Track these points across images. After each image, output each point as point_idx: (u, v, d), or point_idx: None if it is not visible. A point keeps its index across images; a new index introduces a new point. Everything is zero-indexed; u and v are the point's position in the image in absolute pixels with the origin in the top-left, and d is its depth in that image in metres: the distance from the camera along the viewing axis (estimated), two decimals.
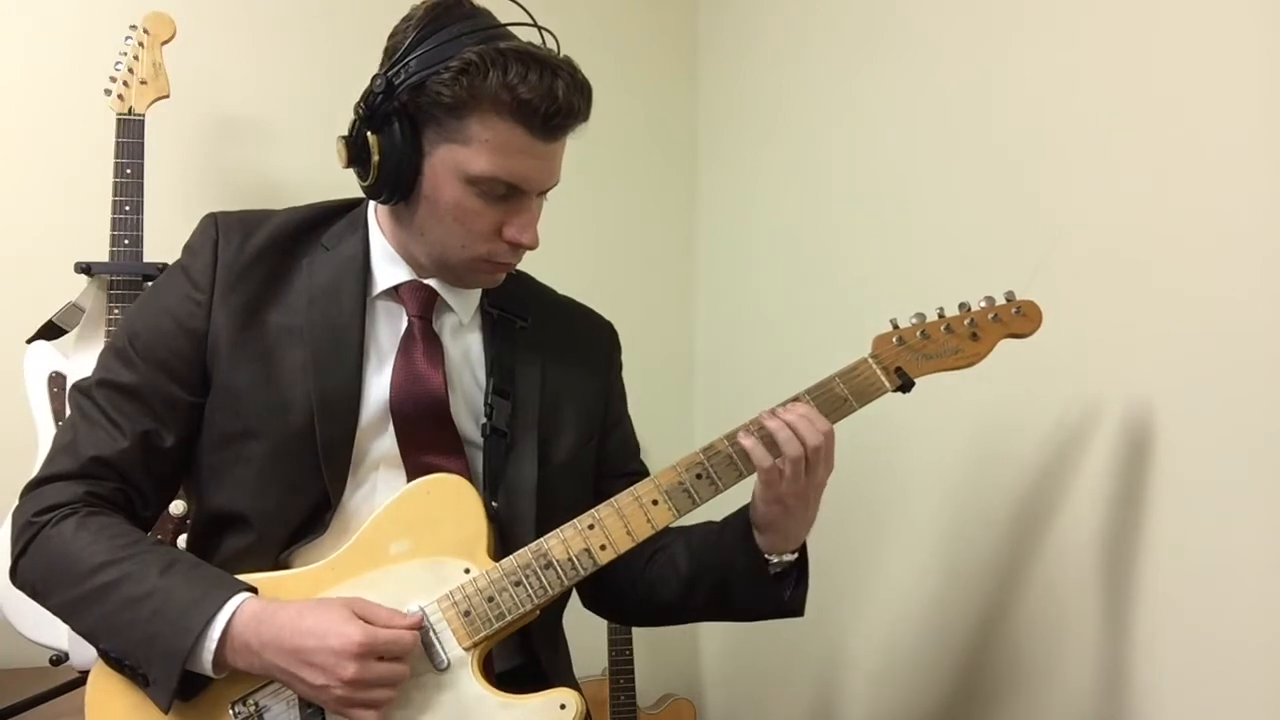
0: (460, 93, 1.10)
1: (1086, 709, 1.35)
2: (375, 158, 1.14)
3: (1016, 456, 1.49)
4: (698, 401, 2.59)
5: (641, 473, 1.21)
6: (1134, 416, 1.29)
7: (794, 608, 1.26)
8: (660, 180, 2.58)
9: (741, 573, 1.23)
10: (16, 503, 1.18)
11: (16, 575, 1.16)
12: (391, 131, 1.13)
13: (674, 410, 2.56)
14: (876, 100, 1.87)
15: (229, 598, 1.08)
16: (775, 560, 1.22)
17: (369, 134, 1.14)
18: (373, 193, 1.19)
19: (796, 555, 1.24)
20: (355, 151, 1.17)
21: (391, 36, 1.17)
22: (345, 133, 1.19)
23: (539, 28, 1.17)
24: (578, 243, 2.43)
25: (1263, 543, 1.13)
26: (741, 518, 1.23)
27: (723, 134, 2.48)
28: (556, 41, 1.17)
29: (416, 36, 1.12)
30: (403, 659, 1.08)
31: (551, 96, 1.10)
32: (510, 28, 1.16)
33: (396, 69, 1.12)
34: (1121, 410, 1.31)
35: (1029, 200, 1.49)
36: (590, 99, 1.15)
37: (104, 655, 1.13)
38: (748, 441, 1.16)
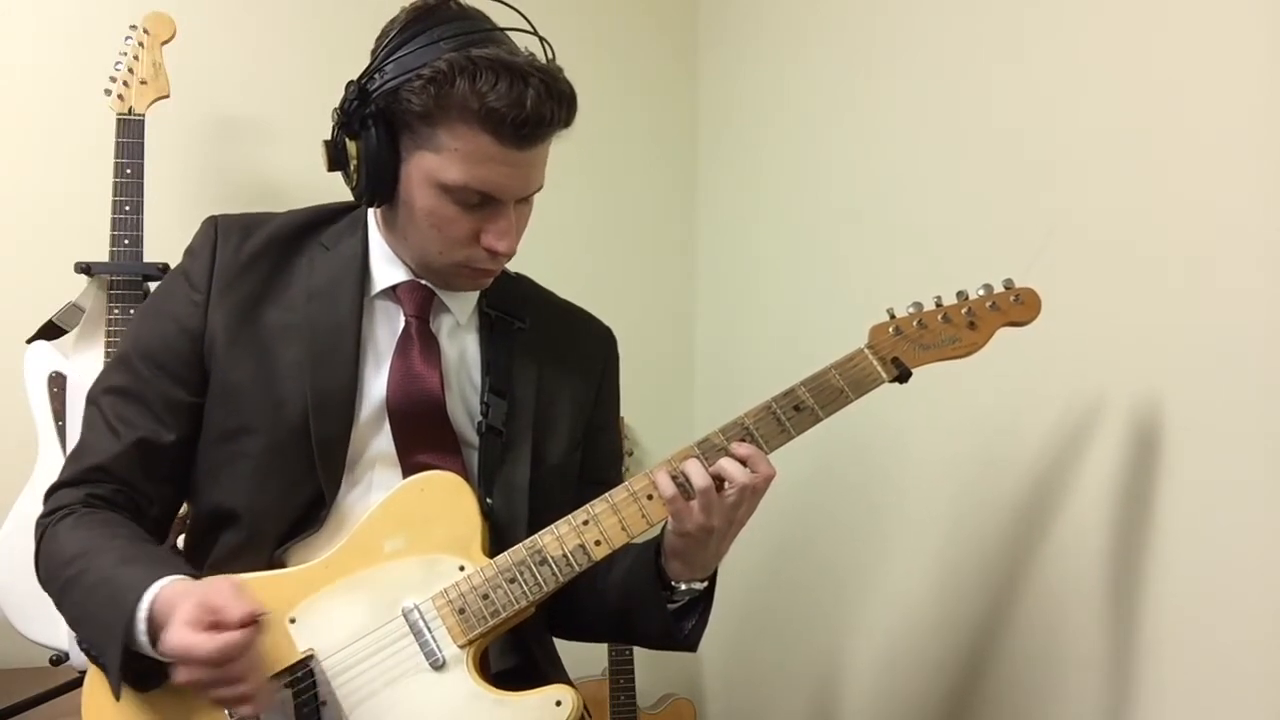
0: (429, 101, 1.09)
1: (1090, 709, 1.35)
2: (354, 163, 1.15)
3: (1019, 454, 1.48)
4: (698, 399, 2.59)
5: (614, 482, 1.21)
6: (1139, 412, 1.28)
7: (689, 643, 1.24)
8: (660, 180, 2.57)
9: (644, 599, 1.22)
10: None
11: (37, 575, 1.19)
12: (369, 136, 1.13)
13: (674, 408, 2.55)
14: (876, 99, 1.87)
15: (162, 575, 1.06)
16: (683, 588, 1.21)
17: (347, 139, 1.15)
18: (357, 195, 1.19)
19: (706, 585, 1.22)
20: (335, 155, 1.18)
21: (377, 39, 1.16)
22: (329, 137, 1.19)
23: (534, 33, 1.16)
24: (578, 242, 2.43)
25: (1273, 541, 1.12)
26: (656, 542, 1.22)
27: (723, 134, 2.48)
28: (550, 47, 1.15)
29: (394, 41, 1.12)
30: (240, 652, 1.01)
31: (520, 105, 1.08)
32: (507, 31, 1.15)
33: (370, 75, 1.12)
34: (1126, 405, 1.30)
35: (1030, 199, 1.48)
36: (571, 106, 1.13)
37: (81, 648, 1.14)
38: (661, 478, 1.14)
